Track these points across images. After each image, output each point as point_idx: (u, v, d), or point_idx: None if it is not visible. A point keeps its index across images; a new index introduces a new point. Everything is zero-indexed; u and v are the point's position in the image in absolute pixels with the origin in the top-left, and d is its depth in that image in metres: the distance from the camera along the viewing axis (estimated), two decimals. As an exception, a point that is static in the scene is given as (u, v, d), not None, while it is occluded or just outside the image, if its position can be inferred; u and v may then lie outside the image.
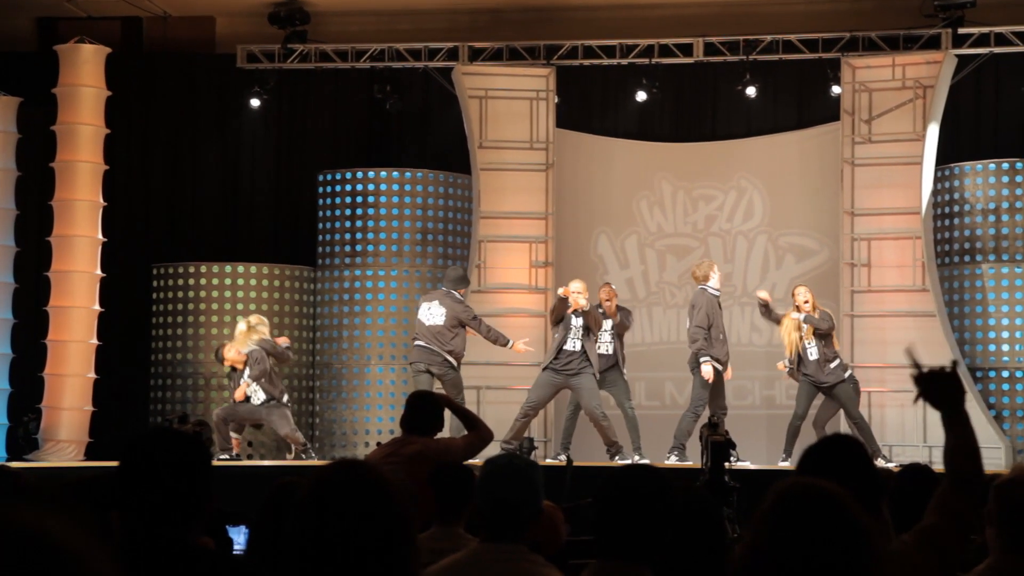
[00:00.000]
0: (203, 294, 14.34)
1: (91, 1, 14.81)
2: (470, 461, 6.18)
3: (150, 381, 14.47)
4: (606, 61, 14.44)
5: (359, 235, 14.43)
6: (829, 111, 14.24)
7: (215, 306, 14.32)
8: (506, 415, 12.35)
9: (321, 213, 14.65)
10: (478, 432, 6.59)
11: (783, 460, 12.11)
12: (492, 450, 7.39)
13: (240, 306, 14.28)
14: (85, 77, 14.04)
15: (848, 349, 13.46)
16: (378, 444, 7.27)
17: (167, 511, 2.83)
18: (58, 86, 14.03)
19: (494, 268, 14.28)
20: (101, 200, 14.06)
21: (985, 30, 13.67)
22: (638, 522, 3.13)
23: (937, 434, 13.35)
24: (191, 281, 14.38)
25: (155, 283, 14.54)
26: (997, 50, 13.72)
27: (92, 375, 13.89)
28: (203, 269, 14.40)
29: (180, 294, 14.40)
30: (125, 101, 14.70)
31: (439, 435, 6.80)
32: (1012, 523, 3.46)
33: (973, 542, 4.31)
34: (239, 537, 5.25)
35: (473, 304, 13.36)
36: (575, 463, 10.00)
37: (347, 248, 14.48)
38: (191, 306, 14.35)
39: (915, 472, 5.05)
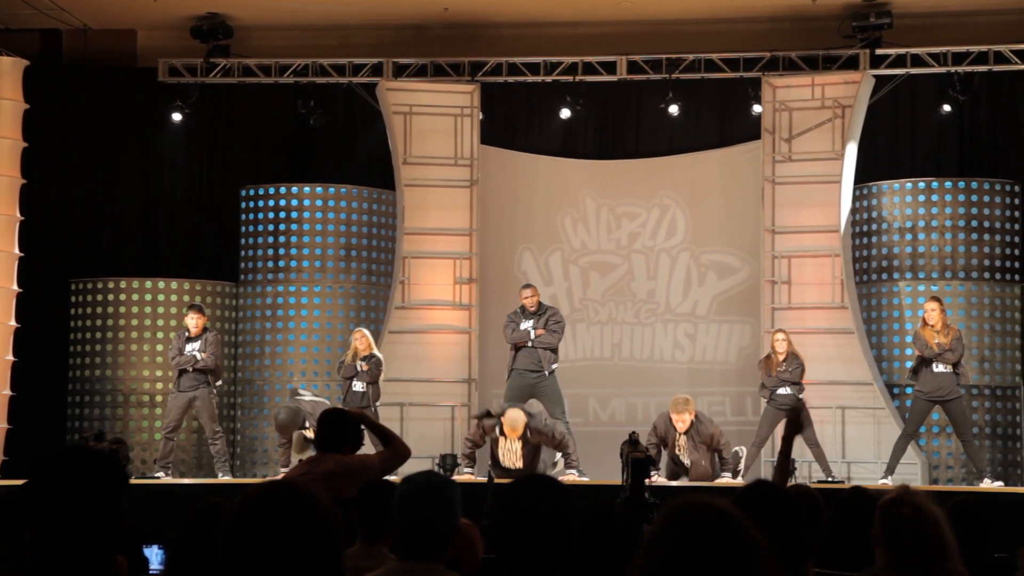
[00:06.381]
0: (123, 309, 14.17)
1: (9, 13, 14.60)
2: (389, 478, 6.15)
3: (68, 398, 14.26)
4: (530, 78, 14.49)
5: (282, 251, 14.35)
6: (750, 129, 14.40)
7: (135, 322, 14.16)
8: (429, 432, 12.30)
9: (243, 228, 14.54)
10: (394, 448, 6.55)
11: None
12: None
13: (160, 322, 14.14)
14: (2, 89, 13.83)
15: (769, 365, 13.56)
16: (299, 462, 7.28)
17: (80, 530, 2.78)
18: (-26, 98, 13.82)
19: (418, 284, 14.26)
20: (18, 214, 13.86)
21: (902, 51, 13.91)
22: (534, 536, 3.11)
23: (854, 450, 13.43)
24: (110, 296, 14.21)
25: (73, 298, 14.35)
26: (914, 71, 13.96)
27: (7, 392, 13.66)
28: (123, 284, 14.23)
29: (99, 310, 14.21)
30: (43, 114, 14.48)
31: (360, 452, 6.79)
32: (897, 542, 3.48)
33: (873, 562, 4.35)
34: (154, 557, 5.18)
35: (397, 321, 13.30)
36: (496, 480, 9.99)
37: (269, 264, 14.39)
38: (110, 322, 14.18)
39: (759, 489, 5.02)
